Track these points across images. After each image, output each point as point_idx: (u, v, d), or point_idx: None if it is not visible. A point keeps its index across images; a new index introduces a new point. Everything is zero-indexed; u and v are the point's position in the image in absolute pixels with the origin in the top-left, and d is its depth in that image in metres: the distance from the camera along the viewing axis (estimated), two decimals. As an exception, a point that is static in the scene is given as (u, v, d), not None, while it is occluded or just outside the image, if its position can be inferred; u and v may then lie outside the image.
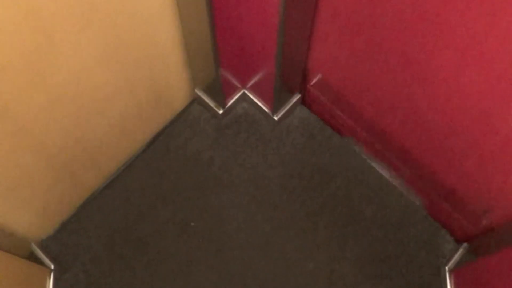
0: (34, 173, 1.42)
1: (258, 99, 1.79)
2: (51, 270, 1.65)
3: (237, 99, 1.80)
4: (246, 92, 1.80)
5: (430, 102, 1.27)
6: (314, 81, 1.66)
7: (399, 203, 1.72)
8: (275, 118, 1.78)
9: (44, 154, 1.39)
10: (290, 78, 1.64)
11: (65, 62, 1.18)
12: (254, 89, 1.77)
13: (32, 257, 1.65)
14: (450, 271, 1.62)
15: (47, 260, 1.66)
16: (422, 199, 1.69)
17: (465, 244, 1.64)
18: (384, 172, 1.74)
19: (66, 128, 1.40)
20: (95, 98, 1.40)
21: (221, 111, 1.78)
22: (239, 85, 1.77)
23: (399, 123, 1.48)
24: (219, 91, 1.69)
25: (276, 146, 1.79)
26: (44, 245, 1.69)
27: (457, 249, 1.64)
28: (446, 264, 1.63)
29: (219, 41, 1.41)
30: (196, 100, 1.83)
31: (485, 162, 1.29)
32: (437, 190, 1.58)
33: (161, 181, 1.76)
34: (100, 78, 1.34)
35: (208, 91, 1.76)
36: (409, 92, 1.31)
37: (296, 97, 1.77)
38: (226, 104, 1.78)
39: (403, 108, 1.39)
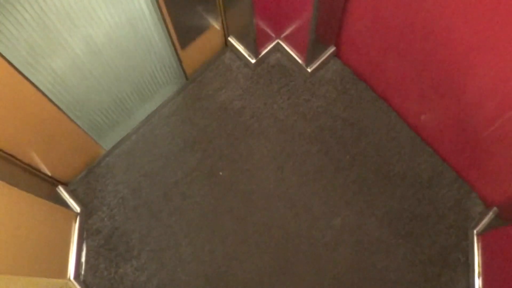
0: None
1: (292, 50, 1.75)
2: (77, 214, 1.65)
3: (270, 49, 1.77)
4: (280, 42, 1.76)
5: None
6: (350, 33, 1.61)
7: (430, 163, 1.69)
8: (308, 70, 1.74)
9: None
10: (326, 29, 1.60)
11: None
12: (289, 39, 1.73)
13: (59, 200, 1.65)
14: (478, 235, 1.61)
15: (73, 204, 1.66)
16: (454, 161, 1.66)
17: (495, 208, 1.62)
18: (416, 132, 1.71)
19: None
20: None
21: (254, 61, 1.74)
22: (273, 35, 1.73)
23: (434, 84, 1.44)
24: (253, 40, 1.65)
25: (308, 98, 1.76)
26: (71, 189, 1.69)
27: (487, 213, 1.63)
28: (474, 228, 1.62)
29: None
30: (229, 48, 1.79)
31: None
32: (470, 153, 1.55)
33: (191, 128, 1.74)
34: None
35: (242, 39, 1.72)
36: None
37: (330, 50, 1.73)
38: (259, 54, 1.75)
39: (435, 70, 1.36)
